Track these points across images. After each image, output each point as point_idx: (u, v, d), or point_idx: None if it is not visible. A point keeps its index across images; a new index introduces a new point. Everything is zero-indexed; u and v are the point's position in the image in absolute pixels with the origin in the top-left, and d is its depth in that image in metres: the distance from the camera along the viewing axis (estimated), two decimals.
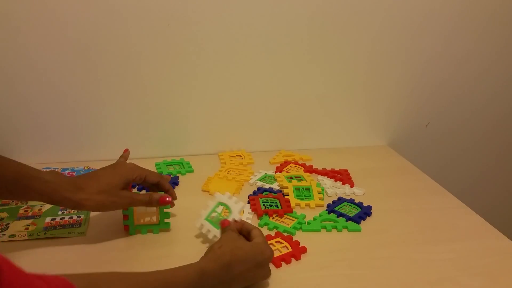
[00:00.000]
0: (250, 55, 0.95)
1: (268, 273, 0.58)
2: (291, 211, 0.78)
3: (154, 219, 0.71)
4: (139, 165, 0.70)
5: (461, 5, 1.00)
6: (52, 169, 0.83)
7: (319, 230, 0.73)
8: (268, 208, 0.79)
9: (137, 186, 0.85)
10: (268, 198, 0.82)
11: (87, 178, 0.63)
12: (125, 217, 0.69)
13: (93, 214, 0.76)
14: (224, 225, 0.61)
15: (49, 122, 0.92)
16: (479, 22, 1.03)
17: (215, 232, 0.65)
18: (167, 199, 0.67)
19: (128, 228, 0.70)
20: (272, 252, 0.58)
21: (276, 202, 0.81)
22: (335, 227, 0.74)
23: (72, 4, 0.82)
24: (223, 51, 0.93)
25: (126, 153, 0.75)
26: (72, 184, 0.61)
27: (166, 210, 0.70)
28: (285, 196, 0.84)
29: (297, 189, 0.86)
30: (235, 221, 0.63)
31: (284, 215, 0.77)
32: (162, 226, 0.71)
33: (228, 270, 0.52)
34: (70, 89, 0.89)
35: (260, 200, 0.81)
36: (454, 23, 1.02)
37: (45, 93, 0.89)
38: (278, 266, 0.63)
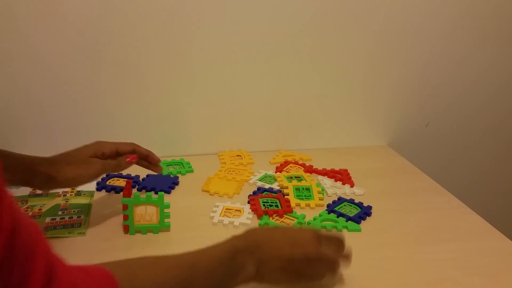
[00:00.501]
0: (250, 55, 0.95)
1: (309, 251, 0.52)
2: (291, 211, 0.78)
3: (154, 219, 0.71)
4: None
5: (460, 5, 1.00)
6: None
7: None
8: (268, 208, 0.79)
9: (137, 187, 0.85)
10: (268, 198, 0.82)
11: (59, 154, 0.66)
12: (125, 217, 0.69)
13: (93, 214, 0.76)
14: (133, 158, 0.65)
15: (50, 122, 0.92)
16: (478, 22, 1.03)
17: None
18: (133, 157, 0.69)
19: (128, 228, 0.70)
20: (313, 234, 0.53)
21: (276, 202, 0.81)
22: (335, 227, 0.74)
23: (76, 2, 0.82)
24: (223, 51, 0.93)
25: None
26: (44, 159, 0.63)
27: (166, 210, 0.70)
28: (285, 196, 0.84)
29: (297, 189, 0.86)
30: None
31: (284, 215, 0.77)
32: (162, 226, 0.71)
33: (260, 248, 0.50)
34: (71, 89, 0.89)
35: (260, 200, 0.81)
36: (453, 23, 1.02)
37: (46, 92, 0.89)
38: None
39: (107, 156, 0.68)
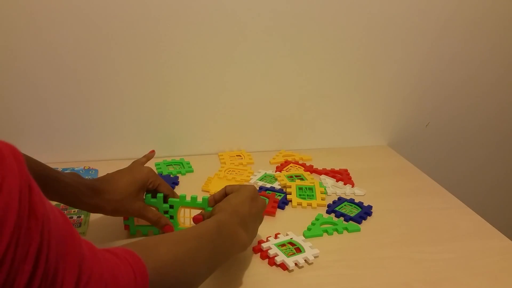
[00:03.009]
0: (250, 56, 0.94)
1: (264, 202, 0.65)
2: (274, 213, 0.78)
3: None
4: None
5: (457, 3, 1.00)
6: (71, 171, 0.83)
7: (321, 235, 0.73)
8: None
9: None
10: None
11: (106, 183, 0.64)
12: (125, 217, 0.69)
13: (93, 214, 0.76)
14: (199, 220, 0.62)
15: (49, 122, 0.92)
16: (477, 20, 1.03)
17: (283, 257, 0.65)
18: (171, 229, 0.68)
19: (128, 228, 0.70)
20: (253, 185, 0.65)
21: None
22: (336, 230, 0.74)
23: (76, 4, 0.82)
24: (223, 51, 0.93)
25: (151, 154, 0.76)
26: (90, 188, 0.62)
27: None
28: (288, 195, 0.84)
29: (300, 188, 0.86)
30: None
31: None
32: None
33: (237, 214, 0.58)
34: (70, 89, 0.89)
35: None
36: (452, 22, 1.02)
37: (45, 93, 0.89)
38: (284, 268, 0.64)
39: (147, 188, 0.69)
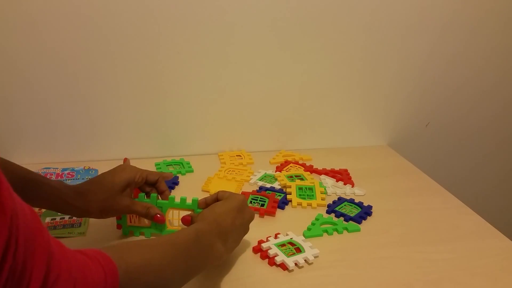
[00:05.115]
0: (250, 56, 0.94)
1: (252, 214, 0.64)
2: (274, 213, 0.78)
3: (146, 221, 0.70)
4: (138, 166, 0.70)
5: (457, 4, 1.00)
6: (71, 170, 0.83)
7: (321, 235, 0.73)
8: (252, 205, 0.79)
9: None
10: (258, 196, 0.83)
11: (89, 184, 0.64)
12: (118, 216, 0.69)
13: None
14: (188, 221, 0.62)
15: (49, 122, 0.92)
16: (477, 21, 1.03)
17: (283, 257, 0.65)
18: (162, 219, 0.67)
19: (121, 228, 0.70)
20: (243, 195, 0.64)
21: (264, 201, 0.81)
22: (336, 230, 0.74)
23: (76, 5, 0.82)
24: (223, 51, 0.93)
25: (126, 162, 0.76)
26: (74, 191, 0.62)
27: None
28: (288, 195, 0.84)
29: (300, 188, 0.86)
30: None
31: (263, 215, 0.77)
32: (154, 230, 0.70)
33: (217, 224, 0.57)
34: (70, 89, 0.89)
35: (250, 196, 0.82)
36: (452, 22, 1.02)
37: (45, 93, 0.89)
38: (284, 268, 0.64)
39: (136, 184, 0.68)
